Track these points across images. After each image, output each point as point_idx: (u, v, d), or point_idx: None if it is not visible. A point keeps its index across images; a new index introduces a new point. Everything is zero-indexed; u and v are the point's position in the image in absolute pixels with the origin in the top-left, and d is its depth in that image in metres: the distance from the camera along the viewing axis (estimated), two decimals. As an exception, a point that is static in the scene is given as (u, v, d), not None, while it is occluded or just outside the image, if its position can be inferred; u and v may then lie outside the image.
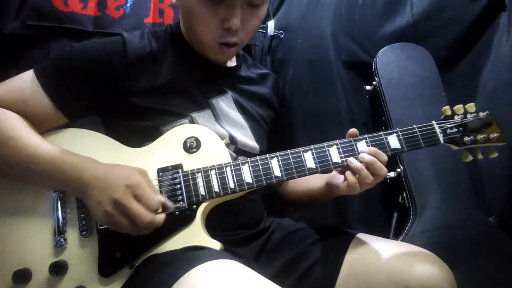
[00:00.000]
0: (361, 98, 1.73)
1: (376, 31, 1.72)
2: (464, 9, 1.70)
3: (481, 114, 1.00)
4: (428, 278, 0.93)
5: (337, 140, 0.98)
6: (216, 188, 0.93)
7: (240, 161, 0.96)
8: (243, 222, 1.11)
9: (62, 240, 0.90)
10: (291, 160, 0.96)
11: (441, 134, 0.99)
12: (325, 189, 1.09)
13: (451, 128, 1.00)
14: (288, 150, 0.97)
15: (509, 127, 1.04)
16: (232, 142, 1.08)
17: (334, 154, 0.97)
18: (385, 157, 0.95)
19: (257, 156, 0.97)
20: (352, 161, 0.94)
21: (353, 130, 0.99)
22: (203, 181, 0.94)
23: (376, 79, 1.64)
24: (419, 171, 1.54)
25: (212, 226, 0.96)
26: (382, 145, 0.98)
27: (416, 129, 0.99)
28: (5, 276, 0.88)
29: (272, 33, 1.66)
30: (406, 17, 1.71)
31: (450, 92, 1.65)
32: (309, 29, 1.70)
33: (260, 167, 0.95)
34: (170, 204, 0.89)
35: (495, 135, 0.99)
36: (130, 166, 0.88)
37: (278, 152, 0.97)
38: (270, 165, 0.96)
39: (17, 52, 1.33)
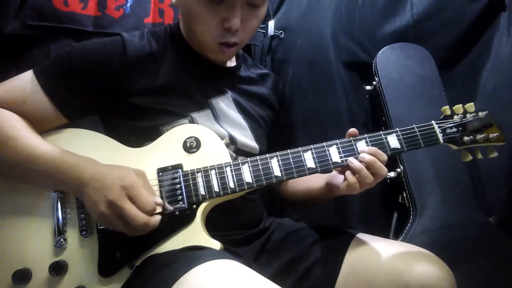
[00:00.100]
0: (361, 98, 1.73)
1: (376, 31, 1.72)
2: (464, 9, 1.70)
3: (480, 114, 1.00)
4: (428, 278, 0.93)
5: (337, 140, 0.98)
6: (216, 188, 0.93)
7: (240, 161, 0.96)
8: (243, 222, 1.11)
9: (62, 240, 0.90)
10: (291, 160, 0.96)
11: (441, 134, 0.99)
12: (325, 189, 1.09)
13: (451, 128, 1.00)
14: (288, 150, 0.97)
15: (509, 127, 1.04)
16: (232, 142, 1.08)
17: (334, 154, 0.97)
18: (385, 157, 0.95)
19: (257, 156, 0.97)
20: (352, 161, 0.94)
21: (352, 130, 0.99)
22: (203, 181, 0.94)
23: (376, 79, 1.64)
24: (419, 171, 1.54)
25: (212, 226, 0.96)
26: (382, 145, 0.98)
27: (416, 129, 0.99)
28: (5, 276, 0.88)
29: (272, 33, 1.66)
30: (406, 17, 1.71)
31: (450, 92, 1.65)
32: (309, 29, 1.70)
33: (260, 167, 0.95)
34: (168, 206, 0.89)
35: (495, 134, 0.99)
36: (128, 167, 0.88)
37: (278, 152, 0.97)
38: (270, 165, 0.96)
39: (17, 52, 1.33)
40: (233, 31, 0.99)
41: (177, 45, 1.11)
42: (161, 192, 0.93)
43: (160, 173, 0.95)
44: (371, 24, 1.72)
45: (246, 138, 1.12)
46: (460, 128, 1.00)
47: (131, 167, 0.89)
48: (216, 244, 0.90)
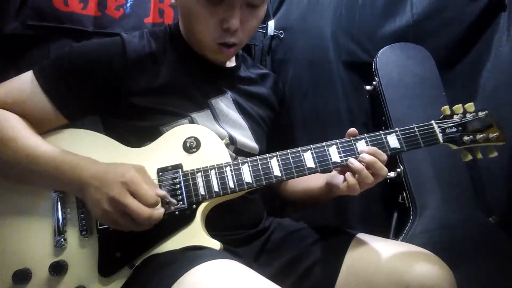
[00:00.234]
0: (361, 98, 1.73)
1: (376, 31, 1.72)
2: (464, 9, 1.70)
3: (480, 113, 1.00)
4: (428, 278, 0.93)
5: (337, 140, 0.98)
6: (216, 188, 0.93)
7: (239, 161, 0.96)
8: (243, 222, 1.11)
9: (62, 240, 0.90)
10: (291, 160, 0.96)
11: (440, 134, 0.99)
12: (325, 189, 1.09)
13: (450, 127, 1.00)
14: (288, 150, 0.97)
15: (509, 127, 1.04)
16: (231, 142, 1.08)
17: (334, 154, 0.97)
18: (384, 157, 0.95)
19: (257, 156, 0.97)
20: (353, 161, 0.94)
21: (352, 130, 0.99)
22: (203, 181, 0.94)
23: (376, 79, 1.64)
24: (419, 171, 1.54)
25: (212, 226, 0.96)
26: (382, 145, 0.98)
27: (416, 129, 0.99)
28: (5, 276, 0.88)
29: (272, 33, 1.67)
30: (406, 17, 1.71)
31: (450, 92, 1.65)
32: (309, 29, 1.70)
33: (260, 167, 0.95)
34: (170, 198, 0.89)
35: (495, 134, 0.98)
36: (127, 163, 0.88)
37: (277, 152, 0.97)
38: (269, 164, 0.96)
39: (17, 52, 1.33)
40: (232, 32, 0.99)
41: (177, 45, 1.11)
42: (161, 192, 0.93)
43: (160, 173, 0.95)
44: (371, 24, 1.72)
45: (246, 138, 1.12)
46: (460, 128, 1.00)
47: (131, 163, 0.88)
48: (216, 244, 0.90)
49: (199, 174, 0.94)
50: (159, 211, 0.84)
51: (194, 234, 0.91)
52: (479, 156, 1.02)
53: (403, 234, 1.47)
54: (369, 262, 1.00)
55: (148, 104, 1.02)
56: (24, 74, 1.00)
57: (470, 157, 1.02)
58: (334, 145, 0.98)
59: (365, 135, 0.98)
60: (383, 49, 1.67)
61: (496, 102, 1.62)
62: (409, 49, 1.69)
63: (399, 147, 0.98)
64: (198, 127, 1.01)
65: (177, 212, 0.91)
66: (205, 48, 1.07)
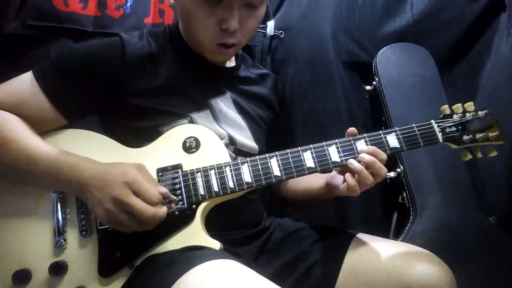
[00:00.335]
0: (361, 98, 1.73)
1: (376, 31, 1.73)
2: (464, 9, 1.70)
3: (480, 113, 1.00)
4: (428, 278, 0.93)
5: (336, 139, 0.98)
6: (215, 188, 0.93)
7: (239, 161, 0.96)
8: (243, 222, 1.11)
9: (62, 240, 0.90)
10: (290, 160, 0.96)
11: (440, 133, 0.99)
12: (325, 189, 1.08)
13: (450, 127, 0.99)
14: (287, 150, 0.97)
15: (509, 127, 1.04)
16: (231, 142, 1.08)
17: (333, 153, 0.96)
18: (384, 156, 0.95)
19: (257, 156, 0.97)
20: (352, 162, 0.94)
21: (351, 129, 0.99)
22: (202, 181, 0.94)
23: (376, 79, 1.64)
24: (419, 171, 1.54)
25: (212, 226, 0.96)
26: (381, 144, 0.97)
27: (415, 128, 0.99)
28: (5, 276, 0.88)
29: (272, 33, 1.66)
30: (406, 17, 1.71)
31: (450, 92, 1.65)
32: (309, 29, 1.70)
33: (260, 166, 0.95)
34: (171, 196, 0.89)
35: (494, 133, 0.98)
36: (127, 163, 0.88)
37: (277, 152, 0.97)
38: (269, 164, 0.95)
39: (17, 52, 1.33)
40: (231, 32, 0.99)
41: (176, 45, 1.11)
42: (160, 192, 0.93)
43: (160, 173, 0.95)
44: (371, 24, 1.72)
45: (246, 139, 1.12)
46: (459, 127, 0.99)
47: (130, 162, 0.88)
48: (215, 244, 0.90)
49: (199, 174, 0.94)
50: (163, 209, 0.84)
51: (194, 234, 0.91)
52: (479, 155, 1.01)
53: (403, 234, 1.47)
54: (369, 262, 1.00)
55: (147, 104, 1.02)
56: (24, 74, 1.00)
57: (470, 156, 1.02)
58: (334, 145, 0.97)
59: (365, 134, 0.98)
60: (383, 49, 1.67)
61: (496, 102, 1.61)
62: (409, 49, 1.69)
63: (399, 146, 0.98)
64: (198, 127, 1.01)
65: (176, 212, 0.91)
66: (204, 48, 1.07)
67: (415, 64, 1.67)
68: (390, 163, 1.57)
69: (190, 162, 0.96)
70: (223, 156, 0.98)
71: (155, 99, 1.03)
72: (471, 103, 1.01)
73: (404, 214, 1.54)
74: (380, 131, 0.99)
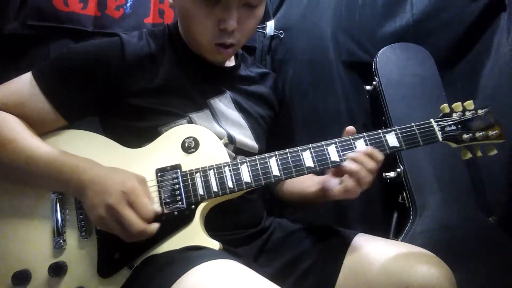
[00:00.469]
0: (361, 98, 1.73)
1: (376, 31, 1.72)
2: (464, 9, 1.70)
3: (479, 111, 0.99)
4: (428, 278, 0.93)
5: (336, 139, 0.98)
6: (214, 188, 0.93)
7: (238, 161, 0.96)
8: (242, 222, 1.10)
9: (61, 241, 0.90)
10: (290, 160, 0.96)
11: (440, 132, 0.99)
12: (319, 193, 1.08)
13: (450, 125, 0.99)
14: (287, 149, 0.97)
15: (509, 127, 1.04)
16: (231, 141, 1.08)
17: (333, 153, 0.96)
18: (381, 157, 0.95)
19: (256, 156, 0.97)
20: (347, 164, 0.94)
21: (350, 128, 0.99)
22: (201, 181, 0.94)
23: (376, 79, 1.64)
24: (419, 171, 1.54)
25: (211, 226, 0.96)
26: (381, 143, 0.97)
27: (415, 127, 0.99)
28: (5, 277, 0.88)
29: (272, 33, 1.66)
30: (406, 17, 1.71)
31: (450, 92, 1.65)
32: (309, 29, 1.70)
33: (259, 166, 0.95)
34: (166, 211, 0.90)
35: (494, 132, 0.97)
36: (129, 172, 0.88)
37: (276, 152, 0.97)
38: (268, 164, 0.95)
39: (17, 52, 1.33)
40: (230, 32, 0.99)
41: (176, 45, 1.11)
42: (159, 192, 0.93)
43: (159, 174, 0.95)
44: (371, 24, 1.72)
45: (246, 138, 1.12)
46: (459, 126, 0.99)
47: (133, 172, 0.88)
48: (215, 244, 0.90)
49: (198, 174, 0.94)
50: (153, 226, 0.84)
51: (193, 234, 0.90)
52: (479, 154, 1.01)
53: (403, 234, 1.47)
54: (369, 262, 1.00)
55: (147, 105, 1.02)
56: (23, 75, 0.99)
57: (469, 155, 1.01)
58: (333, 144, 0.97)
59: (364, 133, 0.98)
60: (383, 49, 1.67)
61: (496, 102, 1.61)
62: (409, 49, 1.69)
63: (398, 145, 0.97)
64: (197, 127, 1.01)
65: (176, 213, 0.91)
66: (203, 48, 1.07)
67: (415, 64, 1.67)
68: (390, 163, 1.57)
69: (189, 162, 0.96)
70: (222, 156, 0.98)
71: (155, 99, 1.03)
72: (471, 101, 1.01)
73: (404, 214, 1.54)
74: (380, 130, 0.99)
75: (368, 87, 1.69)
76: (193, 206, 0.92)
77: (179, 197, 0.92)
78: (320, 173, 1.00)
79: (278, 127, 1.30)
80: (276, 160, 0.96)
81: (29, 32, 1.32)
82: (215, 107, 1.10)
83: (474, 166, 1.65)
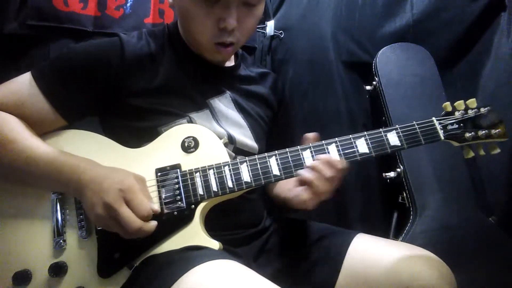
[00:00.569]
0: (361, 98, 1.73)
1: (376, 31, 1.72)
2: (464, 9, 1.70)
3: (482, 109, 0.98)
4: (428, 278, 0.93)
5: (336, 138, 0.98)
6: (214, 188, 0.93)
7: (238, 161, 0.96)
8: (242, 222, 1.10)
9: (61, 241, 0.91)
10: (290, 159, 0.95)
11: (442, 131, 0.98)
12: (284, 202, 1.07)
13: (452, 124, 0.98)
14: (287, 149, 0.97)
15: (509, 127, 1.03)
16: (231, 141, 1.08)
17: (333, 152, 0.96)
18: (340, 165, 0.93)
19: (256, 155, 0.96)
20: (302, 172, 0.93)
21: (311, 134, 0.98)
22: (201, 181, 0.94)
23: (376, 79, 1.64)
24: (419, 171, 1.54)
25: (211, 226, 0.96)
26: (382, 142, 0.97)
27: (416, 126, 0.98)
28: (5, 277, 0.88)
29: (272, 33, 1.66)
30: (406, 17, 1.71)
31: (450, 92, 1.65)
32: (309, 29, 1.70)
33: (259, 166, 0.95)
34: (168, 208, 0.90)
35: (497, 130, 0.96)
36: (127, 171, 0.88)
37: (276, 151, 0.97)
38: (268, 164, 0.95)
39: (17, 52, 1.33)
40: (229, 31, 0.99)
41: (175, 45, 1.11)
42: (159, 192, 0.93)
43: (159, 173, 0.95)
44: (371, 24, 1.72)
45: (246, 138, 1.12)
46: (461, 124, 0.98)
47: (131, 171, 0.89)
48: (215, 244, 0.90)
49: (198, 174, 0.94)
50: (151, 224, 0.84)
51: (193, 234, 0.90)
52: (482, 153, 1.00)
53: (403, 234, 1.47)
54: (369, 262, 1.00)
55: (146, 105, 1.02)
56: (22, 75, 0.99)
57: (472, 154, 1.00)
58: (333, 144, 0.97)
59: (365, 132, 0.97)
60: (383, 49, 1.67)
61: (496, 102, 1.61)
62: (409, 49, 1.69)
63: (399, 144, 0.97)
64: (196, 126, 1.01)
65: (175, 212, 0.91)
66: (202, 48, 1.06)
67: (415, 64, 1.67)
68: (390, 163, 1.57)
69: (189, 162, 0.96)
70: (222, 155, 0.98)
71: (155, 99, 1.03)
72: (474, 99, 0.99)
73: (404, 214, 1.54)
74: (381, 129, 0.98)
75: (368, 87, 1.69)
76: (193, 206, 0.92)
77: (178, 197, 0.92)
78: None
79: (276, 127, 1.30)
80: (276, 159, 0.95)
81: (29, 32, 1.32)
82: (215, 107, 1.10)
83: (474, 166, 1.65)
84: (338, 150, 0.96)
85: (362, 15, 1.71)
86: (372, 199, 1.66)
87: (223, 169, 0.94)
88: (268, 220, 1.21)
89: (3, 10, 1.30)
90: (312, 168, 0.92)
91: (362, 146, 0.96)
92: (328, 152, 0.96)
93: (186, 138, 0.98)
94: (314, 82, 1.68)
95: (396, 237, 1.51)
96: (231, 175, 0.94)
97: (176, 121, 1.03)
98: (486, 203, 1.61)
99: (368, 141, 0.97)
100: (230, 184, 0.93)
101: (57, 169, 0.88)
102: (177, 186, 0.93)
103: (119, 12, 1.42)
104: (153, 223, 0.85)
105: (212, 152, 0.98)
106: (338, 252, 1.04)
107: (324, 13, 1.71)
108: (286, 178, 0.95)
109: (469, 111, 0.99)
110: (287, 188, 1.08)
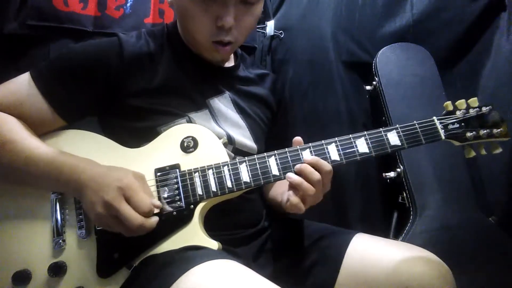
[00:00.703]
0: (361, 98, 1.73)
1: (376, 31, 1.73)
2: (464, 9, 1.70)
3: (484, 109, 0.97)
4: (428, 278, 0.93)
5: (336, 138, 0.97)
6: (213, 188, 0.93)
7: (237, 160, 0.95)
8: (242, 222, 1.10)
9: (60, 241, 0.91)
10: (289, 159, 0.95)
11: (442, 130, 0.97)
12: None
13: (453, 123, 0.97)
14: (286, 149, 0.96)
15: (509, 127, 1.03)
16: (230, 142, 1.08)
17: (333, 152, 0.95)
18: (326, 167, 0.92)
19: (255, 155, 0.96)
20: (290, 176, 0.92)
21: (297, 138, 0.98)
22: (200, 181, 0.93)
23: (376, 79, 1.64)
24: (419, 171, 1.54)
25: (210, 225, 0.95)
26: (382, 142, 0.96)
27: (417, 125, 0.97)
28: (5, 277, 0.88)
29: (272, 33, 1.67)
30: (406, 17, 1.71)
31: (450, 92, 1.65)
32: (309, 29, 1.70)
33: (258, 166, 0.95)
34: (167, 207, 0.90)
35: (499, 130, 0.95)
36: (126, 169, 0.88)
37: (276, 151, 0.96)
38: (268, 164, 0.95)
39: (17, 52, 1.33)
40: (227, 29, 0.99)
41: (175, 45, 1.11)
42: (158, 192, 0.93)
43: (158, 173, 0.95)
44: (371, 24, 1.72)
45: (245, 138, 1.12)
46: (462, 123, 0.97)
47: (130, 169, 0.89)
48: (214, 244, 0.89)
49: (197, 174, 0.94)
50: (152, 220, 0.84)
51: (193, 234, 0.90)
52: (483, 152, 0.98)
53: (403, 234, 1.47)
54: (369, 262, 1.00)
55: (146, 105, 1.02)
56: (21, 76, 0.99)
57: (473, 154, 0.99)
58: (333, 143, 0.96)
59: (365, 132, 0.97)
60: (383, 49, 1.67)
61: (496, 102, 1.61)
62: (409, 49, 1.69)
63: (400, 144, 0.96)
64: (196, 126, 1.01)
65: (175, 212, 0.91)
66: (200, 46, 1.06)
67: (415, 64, 1.67)
68: (390, 163, 1.57)
69: (188, 162, 0.96)
70: (221, 155, 0.98)
71: (154, 99, 1.03)
72: (475, 98, 0.98)
73: (404, 214, 1.54)
74: (381, 129, 0.97)
75: (368, 87, 1.69)
76: (192, 206, 0.92)
77: (178, 197, 0.92)
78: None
79: (276, 127, 1.30)
80: (276, 159, 0.95)
81: (29, 32, 1.32)
82: (214, 107, 1.10)
83: (474, 166, 1.65)
84: (338, 150, 0.95)
85: (362, 15, 1.71)
86: (372, 199, 1.66)
87: (222, 169, 0.94)
88: (267, 220, 1.21)
89: (3, 10, 1.30)
90: (299, 171, 0.92)
91: (362, 146, 0.96)
92: (328, 152, 0.95)
93: (185, 138, 0.98)
94: (314, 82, 1.68)
95: (396, 237, 1.51)
96: (230, 175, 0.94)
97: (176, 121, 1.03)
98: (486, 203, 1.61)
99: (368, 141, 0.96)
100: (229, 184, 0.93)
101: (57, 169, 0.88)
102: (176, 186, 0.93)
103: (119, 12, 1.43)
104: (155, 219, 0.85)
105: (211, 152, 0.98)
106: (337, 252, 1.04)
107: (324, 13, 1.71)
108: (285, 178, 0.94)
109: (471, 110, 0.98)
110: (281, 192, 1.07)
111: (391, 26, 1.72)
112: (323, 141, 0.97)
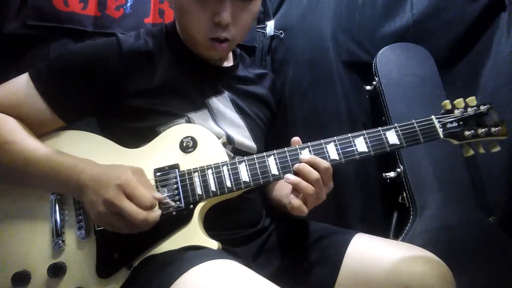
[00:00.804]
0: (361, 98, 1.74)
1: (376, 31, 1.73)
2: (464, 9, 1.70)
3: (482, 107, 0.97)
4: (427, 278, 0.93)
5: (335, 137, 0.97)
6: (213, 188, 0.93)
7: (236, 160, 0.95)
8: (241, 222, 1.10)
9: (60, 242, 0.90)
10: (288, 158, 0.95)
11: (441, 129, 0.97)
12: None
13: (451, 122, 0.97)
14: (285, 148, 0.96)
15: (509, 127, 1.03)
16: (229, 141, 1.07)
17: (332, 152, 0.95)
18: (324, 165, 0.92)
19: (254, 155, 0.96)
20: (288, 177, 0.92)
21: (295, 138, 0.98)
22: (199, 181, 0.93)
23: (376, 79, 1.64)
24: (419, 171, 1.54)
25: (210, 225, 0.95)
26: (381, 141, 0.96)
27: (415, 124, 0.97)
28: (4, 278, 0.88)
29: (272, 33, 1.66)
30: (406, 17, 1.71)
31: (450, 92, 1.65)
32: (309, 29, 1.70)
33: (257, 165, 0.94)
34: (169, 200, 0.89)
35: (497, 128, 0.95)
36: (124, 165, 0.88)
37: (275, 150, 0.96)
38: (267, 163, 0.95)
39: (17, 52, 1.33)
40: (224, 26, 0.99)
41: (174, 44, 1.11)
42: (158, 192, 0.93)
43: (157, 173, 0.95)
44: (371, 24, 1.73)
45: (244, 138, 1.12)
46: (461, 122, 0.97)
47: (127, 165, 0.88)
48: (214, 244, 0.89)
49: (196, 174, 0.94)
50: (155, 213, 0.84)
51: (192, 234, 0.90)
52: (481, 151, 0.99)
53: (403, 234, 1.47)
54: (369, 262, 1.00)
55: (144, 105, 1.02)
56: (20, 76, 0.99)
57: (471, 152, 0.99)
58: (332, 143, 0.96)
59: (364, 131, 0.97)
60: (383, 49, 1.68)
61: (496, 102, 1.61)
62: (409, 49, 1.69)
63: (398, 143, 0.96)
64: (195, 126, 1.01)
65: (174, 212, 0.91)
66: (198, 44, 1.06)
67: (415, 64, 1.67)
68: (390, 163, 1.57)
69: (187, 162, 0.96)
70: (220, 155, 0.97)
71: (153, 99, 1.03)
72: (473, 97, 0.98)
73: (404, 214, 1.54)
74: (379, 128, 0.97)
75: (368, 87, 1.69)
76: (192, 205, 0.92)
77: (177, 197, 0.92)
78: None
79: (275, 127, 1.30)
80: (275, 159, 0.95)
81: (29, 32, 1.32)
82: (213, 107, 1.10)
83: (474, 166, 1.65)
84: (337, 149, 0.95)
85: (362, 15, 1.72)
86: (372, 199, 1.66)
87: (221, 169, 0.94)
88: (267, 219, 1.21)
89: (3, 10, 1.30)
90: (297, 171, 0.92)
91: (361, 145, 0.96)
92: (327, 151, 0.95)
93: (184, 138, 0.98)
94: (314, 82, 1.68)
95: (396, 237, 1.51)
96: (229, 175, 0.94)
97: (175, 121, 1.03)
98: (486, 203, 1.61)
99: (367, 140, 0.96)
100: (228, 184, 0.93)
101: (56, 169, 0.88)
102: (175, 186, 0.93)
103: (119, 12, 1.43)
104: (158, 211, 0.85)
105: (210, 152, 0.97)
106: (337, 252, 1.04)
107: (324, 13, 1.71)
108: (284, 179, 0.94)
109: (469, 109, 0.98)
110: (285, 194, 1.07)
111: (391, 26, 1.72)
112: (322, 140, 0.97)
